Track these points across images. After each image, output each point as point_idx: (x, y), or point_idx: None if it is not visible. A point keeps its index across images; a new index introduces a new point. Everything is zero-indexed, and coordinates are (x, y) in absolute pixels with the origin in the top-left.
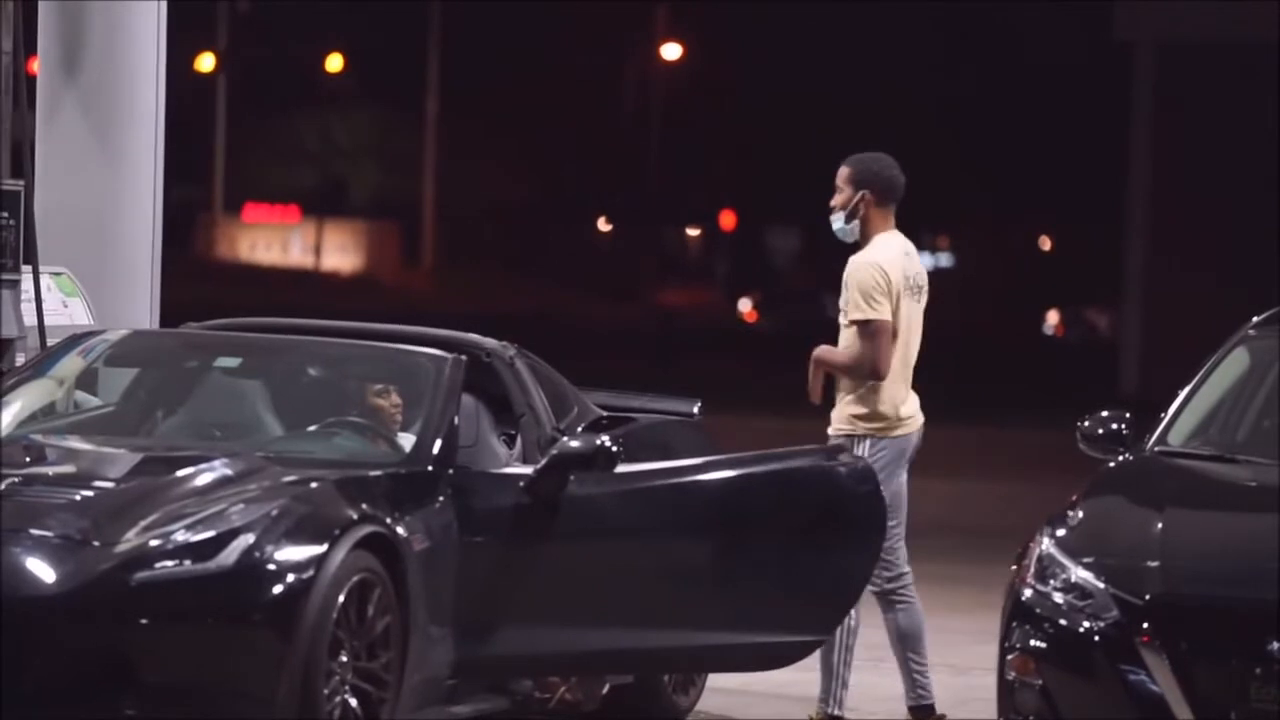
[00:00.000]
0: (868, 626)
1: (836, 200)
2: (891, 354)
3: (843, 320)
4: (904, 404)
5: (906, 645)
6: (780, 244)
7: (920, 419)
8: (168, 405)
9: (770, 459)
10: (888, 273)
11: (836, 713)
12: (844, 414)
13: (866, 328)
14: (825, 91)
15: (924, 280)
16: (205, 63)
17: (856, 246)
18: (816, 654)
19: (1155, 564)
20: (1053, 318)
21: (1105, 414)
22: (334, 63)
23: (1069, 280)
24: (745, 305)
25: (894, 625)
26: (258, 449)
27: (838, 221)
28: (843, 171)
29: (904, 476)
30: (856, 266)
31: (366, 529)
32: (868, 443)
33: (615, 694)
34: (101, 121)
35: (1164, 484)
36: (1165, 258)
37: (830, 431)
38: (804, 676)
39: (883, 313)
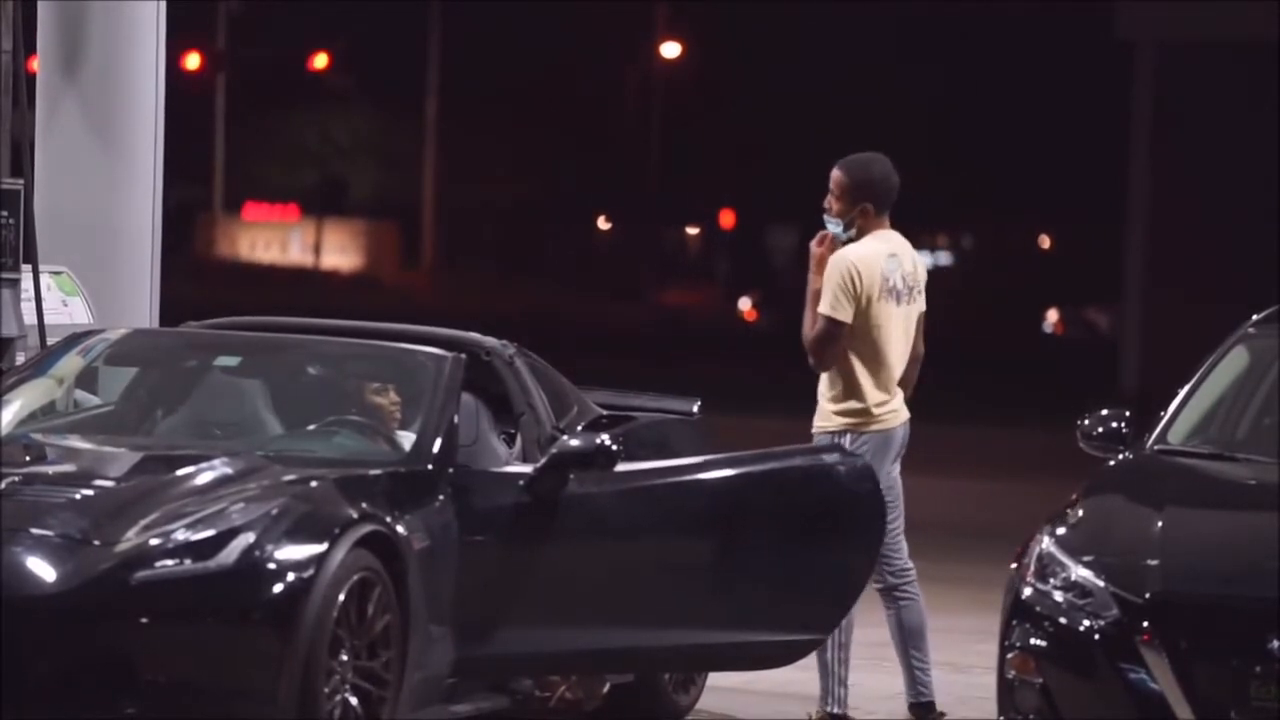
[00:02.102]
0: (870, 625)
1: (833, 207)
2: (836, 353)
3: None
4: (883, 401)
5: (909, 642)
6: (780, 243)
7: (904, 414)
8: (168, 404)
9: (769, 458)
10: (860, 274)
11: (838, 711)
12: (824, 411)
13: (824, 321)
14: (824, 91)
15: (916, 281)
16: (204, 62)
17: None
18: (814, 654)
19: (1155, 562)
20: (1052, 317)
21: (1105, 413)
22: (333, 62)
23: (1069, 280)
24: (745, 304)
25: (896, 621)
26: (258, 448)
27: (834, 226)
28: (838, 178)
29: (896, 470)
30: (833, 262)
31: (366, 528)
32: (848, 438)
33: (615, 693)
34: (101, 121)
35: (1164, 482)
36: (1165, 257)
37: (814, 431)
38: (804, 676)
39: (840, 314)
